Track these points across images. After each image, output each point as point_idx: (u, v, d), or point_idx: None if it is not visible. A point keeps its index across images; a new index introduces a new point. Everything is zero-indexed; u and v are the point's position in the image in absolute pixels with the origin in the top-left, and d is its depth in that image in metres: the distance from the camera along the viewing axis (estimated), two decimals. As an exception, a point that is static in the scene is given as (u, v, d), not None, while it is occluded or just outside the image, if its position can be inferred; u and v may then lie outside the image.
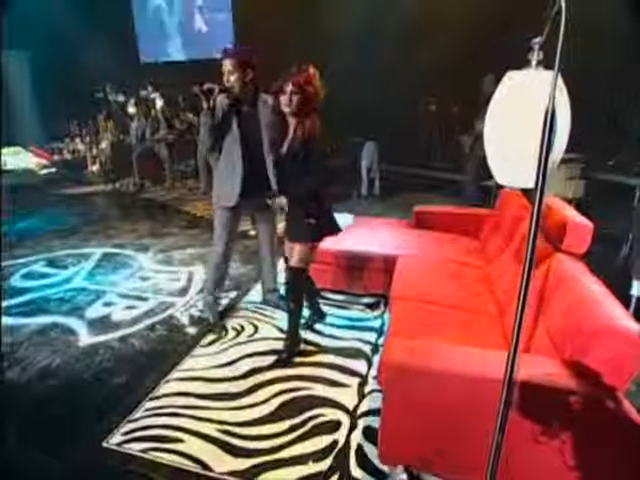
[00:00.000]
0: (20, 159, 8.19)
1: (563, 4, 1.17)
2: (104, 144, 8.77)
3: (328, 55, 6.90)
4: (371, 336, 3.20)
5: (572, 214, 2.39)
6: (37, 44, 9.10)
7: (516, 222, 3.11)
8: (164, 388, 2.72)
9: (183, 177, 8.49)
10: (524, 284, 1.40)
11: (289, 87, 2.61)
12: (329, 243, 3.06)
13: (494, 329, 2.48)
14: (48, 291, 4.05)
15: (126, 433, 2.37)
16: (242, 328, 3.35)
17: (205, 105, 2.86)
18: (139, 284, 4.20)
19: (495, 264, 3.13)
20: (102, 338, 3.28)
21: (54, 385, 2.79)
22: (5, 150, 8.55)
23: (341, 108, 6.78)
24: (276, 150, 2.85)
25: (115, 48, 9.40)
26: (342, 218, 4.09)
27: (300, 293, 2.96)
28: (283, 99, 2.64)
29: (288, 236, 2.96)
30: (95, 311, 3.69)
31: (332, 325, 3.35)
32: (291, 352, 2.95)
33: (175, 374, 2.85)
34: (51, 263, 4.71)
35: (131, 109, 8.82)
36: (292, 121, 2.72)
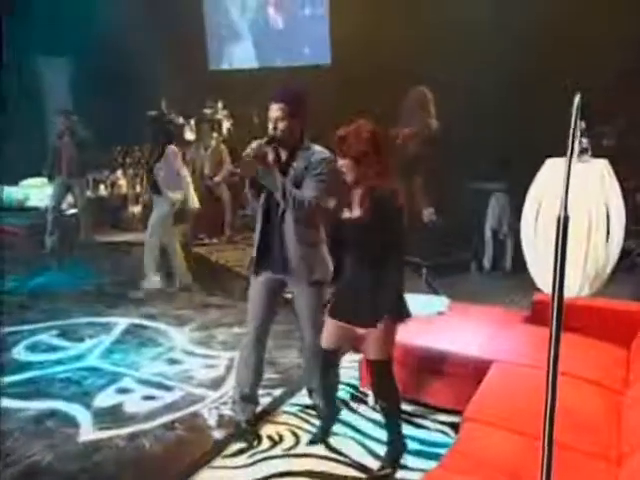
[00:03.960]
0: (46, 194, 9.26)
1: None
2: (151, 179, 9.68)
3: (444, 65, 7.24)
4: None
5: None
6: (79, 48, 10.26)
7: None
8: (167, 505, 3.12)
9: (246, 227, 9.11)
10: (548, 414, 1.61)
11: (344, 159, 2.99)
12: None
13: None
14: (55, 369, 4.69)
15: None
16: (280, 438, 3.68)
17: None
18: (165, 368, 4.73)
19: (636, 388, 3.15)
20: (107, 434, 3.77)
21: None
22: (30, 181, 9.75)
23: (456, 142, 6.98)
24: (331, 221, 3.23)
25: (176, 53, 10.31)
26: (430, 304, 4.37)
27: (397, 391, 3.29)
28: (341, 164, 3.02)
29: (352, 318, 3.20)
30: (105, 398, 4.23)
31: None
32: None
33: (184, 489, 3.24)
34: (64, 333, 5.42)
35: (189, 135, 9.68)
36: (356, 189, 3.06)
